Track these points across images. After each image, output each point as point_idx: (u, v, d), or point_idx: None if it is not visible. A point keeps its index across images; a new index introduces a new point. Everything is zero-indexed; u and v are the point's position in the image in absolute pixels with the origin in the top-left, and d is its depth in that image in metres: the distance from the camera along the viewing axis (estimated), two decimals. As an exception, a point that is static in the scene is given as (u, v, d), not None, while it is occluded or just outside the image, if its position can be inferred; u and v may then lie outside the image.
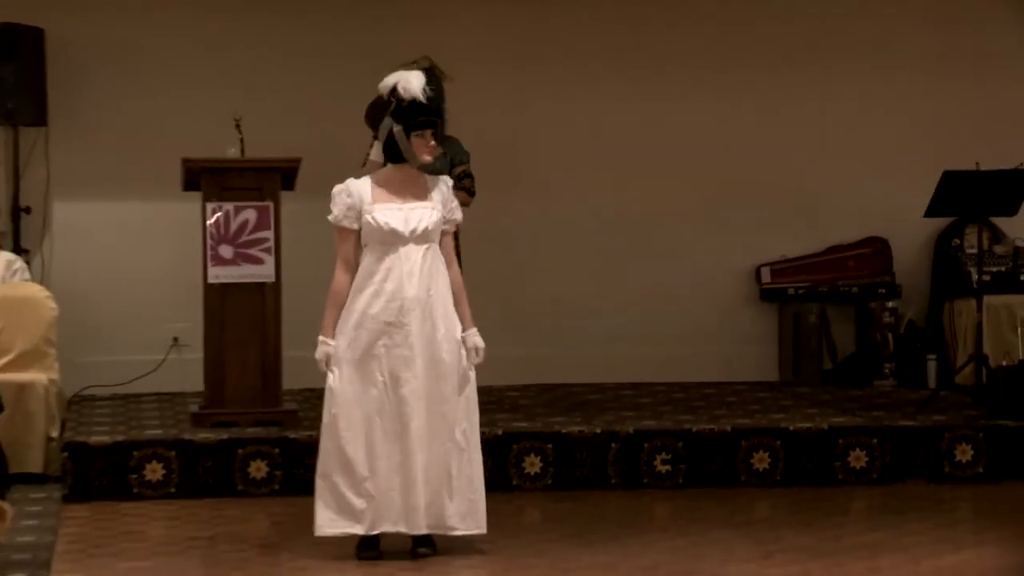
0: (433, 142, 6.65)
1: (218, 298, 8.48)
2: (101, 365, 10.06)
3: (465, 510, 6.61)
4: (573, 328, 10.58)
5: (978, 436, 8.66)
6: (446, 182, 6.75)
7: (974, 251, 10.11)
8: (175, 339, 10.17)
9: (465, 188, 8.95)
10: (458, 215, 6.74)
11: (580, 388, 10.27)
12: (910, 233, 10.73)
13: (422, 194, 6.64)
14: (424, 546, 6.61)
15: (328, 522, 6.57)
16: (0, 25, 9.79)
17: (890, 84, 10.81)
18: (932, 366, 10.43)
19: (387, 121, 6.60)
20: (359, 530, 6.55)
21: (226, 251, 8.43)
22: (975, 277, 9.83)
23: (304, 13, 10.21)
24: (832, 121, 10.79)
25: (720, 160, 10.68)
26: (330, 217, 6.59)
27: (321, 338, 6.55)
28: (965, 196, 9.43)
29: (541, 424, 8.72)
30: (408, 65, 8.89)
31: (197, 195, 8.55)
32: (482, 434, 8.33)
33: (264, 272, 8.45)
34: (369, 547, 6.61)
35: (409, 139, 6.57)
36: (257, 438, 8.21)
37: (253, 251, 8.40)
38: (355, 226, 6.56)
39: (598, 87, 10.59)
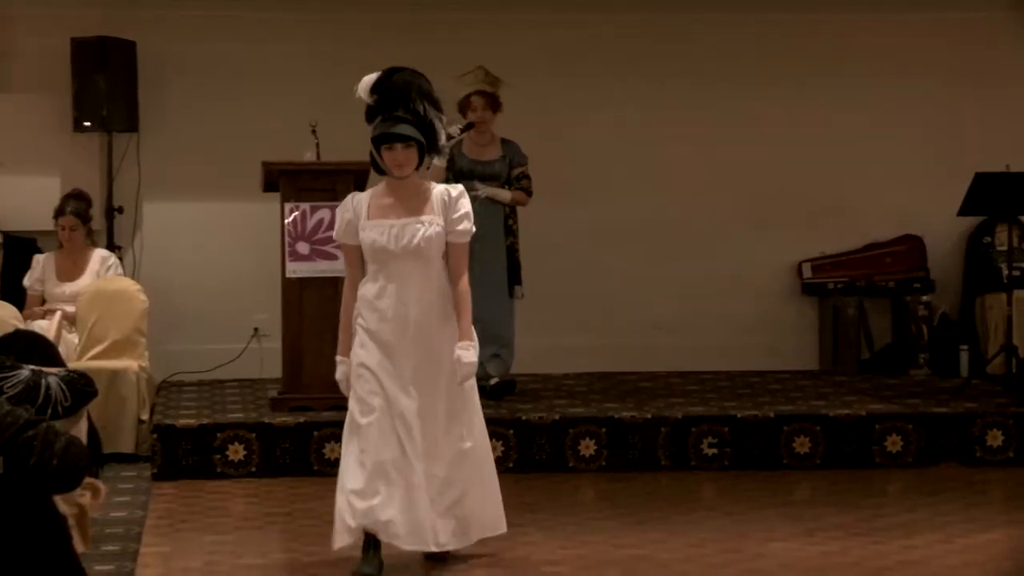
0: (404, 156, 5.82)
1: (295, 291, 8.52)
2: (187, 353, 10.13)
3: (487, 519, 6.07)
4: (626, 320, 10.56)
5: (1008, 422, 8.58)
6: (452, 193, 5.89)
7: (1004, 248, 10.02)
8: (256, 329, 10.22)
9: (523, 188, 9.07)
10: (466, 226, 5.87)
11: (632, 376, 10.25)
12: (943, 231, 10.64)
13: (421, 207, 5.85)
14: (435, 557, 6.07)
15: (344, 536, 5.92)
16: (96, 39, 9.86)
17: (924, 91, 10.72)
18: (964, 356, 10.34)
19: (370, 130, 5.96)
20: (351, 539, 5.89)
21: (303, 248, 8.46)
22: (1005, 273, 9.74)
23: (372, 26, 10.24)
24: (869, 126, 10.71)
25: (763, 164, 10.63)
26: (332, 234, 6.19)
27: (339, 358, 5.94)
28: (996, 196, 9.34)
29: (596, 409, 8.71)
30: (461, 76, 8.98)
31: (276, 196, 8.58)
32: (540, 419, 8.40)
33: (338, 267, 8.42)
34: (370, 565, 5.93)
35: (380, 153, 5.87)
36: (331, 421, 8.23)
37: (328, 248, 8.42)
38: (354, 242, 5.88)
39: (644, 98, 10.55)
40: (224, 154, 10.05)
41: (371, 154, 5.88)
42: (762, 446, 8.45)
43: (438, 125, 5.83)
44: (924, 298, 10.54)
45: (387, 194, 5.89)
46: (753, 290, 10.69)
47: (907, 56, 10.73)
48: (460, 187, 5.90)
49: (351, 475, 5.84)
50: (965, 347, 10.37)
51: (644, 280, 10.58)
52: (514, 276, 9.08)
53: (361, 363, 5.86)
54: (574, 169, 10.39)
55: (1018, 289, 9.61)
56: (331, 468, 8.13)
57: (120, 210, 10.16)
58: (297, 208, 8.45)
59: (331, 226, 8.42)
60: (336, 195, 8.44)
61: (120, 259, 9.61)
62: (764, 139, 10.63)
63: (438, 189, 5.87)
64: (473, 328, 5.91)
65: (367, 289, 5.87)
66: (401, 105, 5.82)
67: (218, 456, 8.15)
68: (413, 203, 5.85)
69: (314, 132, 8.61)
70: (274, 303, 8.69)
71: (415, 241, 5.78)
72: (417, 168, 5.82)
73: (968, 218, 10.15)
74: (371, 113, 5.88)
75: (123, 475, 8.12)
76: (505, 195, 9.02)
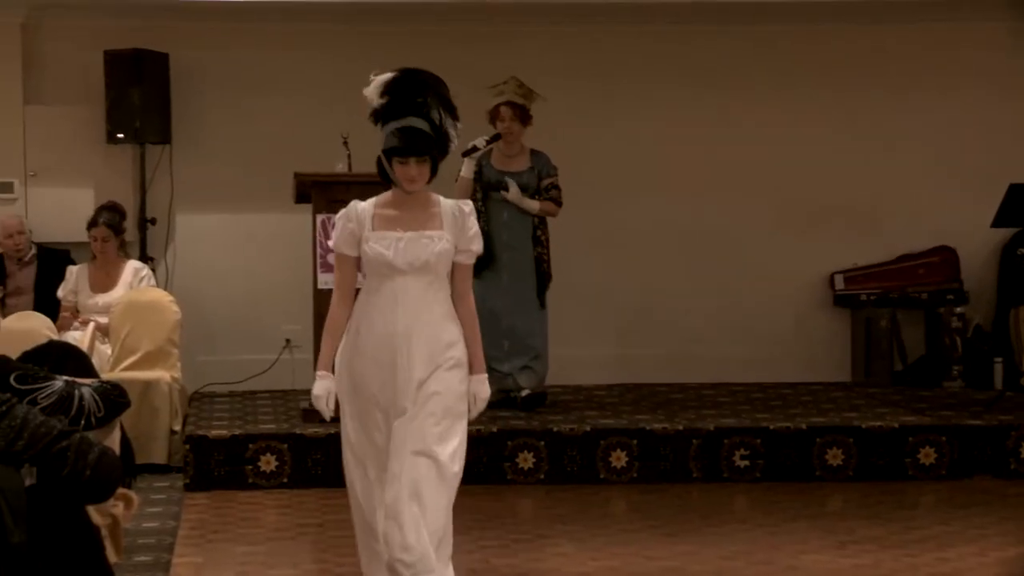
0: (418, 172, 5.24)
1: (327, 303, 8.36)
2: (219, 364, 10.16)
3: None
4: (658, 331, 10.54)
5: (1042, 435, 8.54)
6: (464, 209, 5.37)
7: (1039, 259, 9.98)
8: (287, 340, 10.24)
9: (552, 199, 9.04)
10: (476, 245, 5.36)
11: (664, 387, 10.23)
12: (977, 242, 10.59)
13: (430, 221, 5.32)
14: None
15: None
16: (129, 51, 9.91)
17: (956, 102, 10.67)
18: (998, 368, 10.28)
19: (380, 138, 5.37)
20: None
21: (334, 259, 8.47)
22: (1040, 284, 9.69)
23: (403, 37, 10.25)
24: (902, 137, 10.67)
25: (796, 175, 10.60)
26: (329, 242, 5.50)
27: (319, 372, 5.33)
28: (1030, 207, 9.31)
29: (627, 421, 8.70)
30: (494, 86, 8.99)
31: (308, 207, 8.60)
32: (571, 430, 8.39)
33: (369, 279, 8.48)
34: None
35: (391, 165, 5.28)
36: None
37: (360, 259, 8.43)
38: (353, 253, 5.34)
39: (679, 106, 10.54)
40: (256, 165, 10.08)
41: (379, 161, 5.32)
42: (794, 458, 8.42)
43: (452, 134, 5.32)
44: (958, 310, 10.49)
45: (393, 205, 5.34)
46: (785, 301, 10.66)
47: (942, 66, 10.69)
48: (470, 204, 5.40)
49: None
50: (999, 359, 10.32)
51: (676, 291, 10.56)
52: (542, 287, 9.04)
53: (355, 387, 5.27)
54: (605, 177, 10.39)
55: (1053, 300, 9.56)
56: (362, 479, 8.14)
57: (153, 221, 10.20)
58: (330, 220, 8.47)
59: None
60: (368, 207, 8.46)
61: (153, 270, 9.66)
62: (797, 150, 10.60)
63: (448, 204, 5.34)
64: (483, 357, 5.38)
65: (364, 303, 5.31)
66: (414, 111, 5.28)
67: (250, 467, 8.17)
68: (421, 216, 5.32)
69: (346, 143, 8.63)
70: (306, 314, 8.71)
71: (424, 257, 5.26)
72: (428, 181, 5.31)
73: (1002, 229, 10.10)
74: (380, 116, 5.35)
75: (155, 486, 8.15)
76: (533, 205, 8.98)
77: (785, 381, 10.43)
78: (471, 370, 5.31)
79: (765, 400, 9.66)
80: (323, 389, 5.33)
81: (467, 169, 8.89)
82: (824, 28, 10.63)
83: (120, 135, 9.94)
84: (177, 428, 8.60)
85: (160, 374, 8.70)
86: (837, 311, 10.74)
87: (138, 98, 9.88)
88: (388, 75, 5.42)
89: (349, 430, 5.33)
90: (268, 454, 8.19)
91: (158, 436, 8.54)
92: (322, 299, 8.52)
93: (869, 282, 10.68)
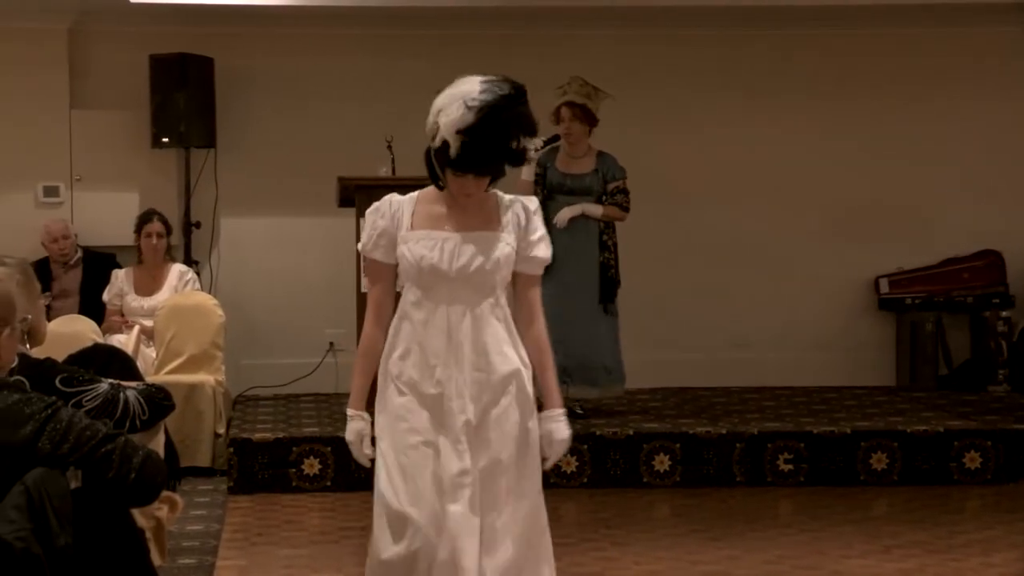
0: (475, 186, 4.32)
1: (371, 306, 8.52)
2: (263, 368, 10.19)
3: None
4: (701, 335, 10.51)
5: (1089, 440, 8.46)
6: (526, 205, 4.40)
7: (1086, 263, 9.90)
8: (331, 344, 10.27)
9: (618, 204, 8.69)
10: (542, 251, 4.37)
11: (707, 391, 10.20)
12: (1023, 246, 10.52)
13: (487, 219, 4.34)
14: None
15: None
16: (174, 55, 9.96)
17: (1003, 106, 10.61)
18: (1044, 373, 10.22)
19: (429, 129, 4.37)
20: None
21: (364, 267, 8.46)
22: (1086, 288, 9.61)
23: (444, 40, 10.27)
24: (946, 141, 10.61)
25: (842, 180, 10.56)
26: (359, 245, 4.46)
27: (350, 411, 4.43)
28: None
29: (670, 425, 8.67)
30: (559, 87, 8.81)
31: (351, 211, 8.62)
32: (615, 434, 8.37)
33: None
34: None
35: (444, 172, 4.32)
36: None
37: (402, 263, 8.43)
38: (389, 259, 4.36)
39: (722, 112, 10.51)
40: (300, 169, 10.11)
41: (428, 159, 4.34)
42: (839, 462, 8.37)
43: (529, 150, 4.37)
44: (1003, 313, 10.42)
45: (440, 200, 4.37)
46: (830, 305, 10.62)
47: (985, 69, 10.62)
48: (535, 201, 4.45)
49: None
50: (1045, 363, 10.25)
51: (719, 294, 10.53)
52: (607, 294, 8.72)
53: (403, 420, 4.32)
54: (647, 183, 10.35)
55: (1100, 304, 9.48)
56: (405, 482, 8.15)
57: (198, 225, 10.25)
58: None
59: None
60: (411, 210, 8.46)
61: (197, 274, 9.70)
62: (841, 153, 10.56)
63: (509, 201, 4.38)
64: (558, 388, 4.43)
65: (403, 322, 4.36)
66: (495, 147, 4.28)
67: (293, 470, 8.19)
68: (475, 213, 4.34)
69: (389, 147, 8.64)
70: (349, 318, 8.72)
71: (478, 262, 4.26)
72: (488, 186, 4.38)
73: (1048, 233, 10.03)
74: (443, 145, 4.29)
75: (199, 488, 8.18)
76: (595, 211, 8.64)
77: (829, 385, 10.38)
78: (544, 405, 4.35)
79: (809, 404, 9.62)
80: (355, 433, 4.40)
81: (528, 172, 8.43)
82: (865, 33, 10.59)
83: (165, 139, 9.99)
84: (221, 431, 8.63)
85: (204, 377, 8.74)
86: (882, 315, 10.68)
87: (183, 102, 9.92)
88: (470, 114, 4.25)
89: (389, 459, 4.31)
90: (311, 457, 8.20)
91: (202, 439, 8.57)
92: (364, 303, 8.52)
93: (914, 286, 10.62)
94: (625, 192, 8.72)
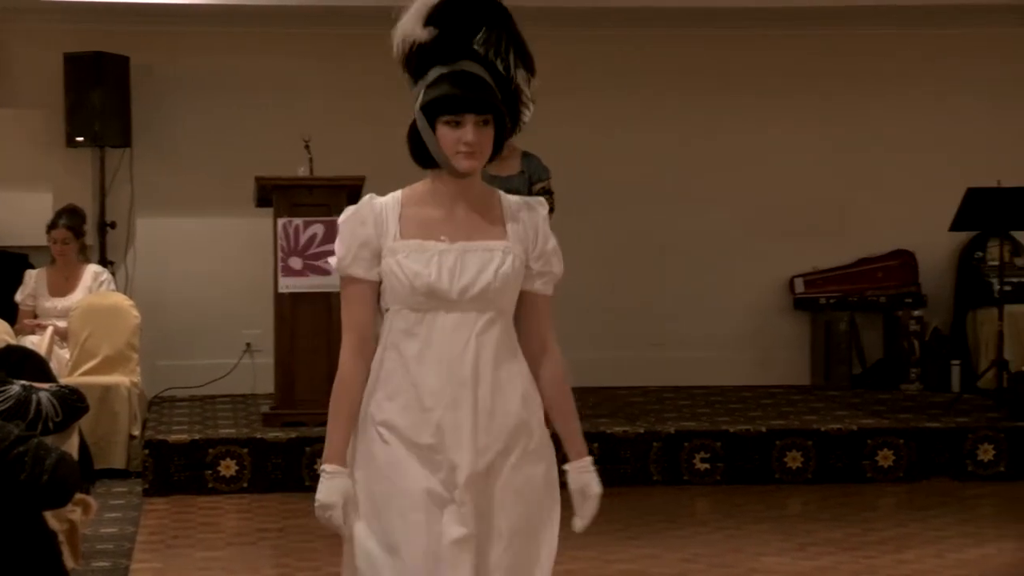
0: (478, 138, 3.49)
1: (288, 307, 8.50)
2: (180, 369, 10.10)
3: None
4: (618, 335, 10.54)
5: (999, 437, 8.57)
6: (535, 208, 3.63)
7: (996, 263, 10.02)
8: (248, 345, 10.20)
9: None
10: (557, 267, 3.66)
11: (624, 391, 10.23)
12: (935, 246, 10.64)
13: (489, 225, 3.55)
14: None
15: None
16: (89, 54, 9.84)
17: (915, 107, 10.73)
18: (956, 371, 10.33)
19: (414, 95, 3.58)
20: None
21: (295, 263, 8.45)
22: (997, 287, 9.74)
23: (367, 40, 10.21)
24: (861, 142, 10.71)
25: (757, 180, 10.62)
26: (332, 260, 3.58)
27: (326, 468, 3.52)
28: (987, 211, 9.35)
29: (588, 424, 8.62)
30: None
31: (269, 211, 8.57)
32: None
33: (331, 282, 8.40)
34: None
35: (435, 130, 3.49)
36: (323, 437, 8.19)
37: (321, 263, 8.41)
38: (370, 276, 3.50)
39: (634, 112, 10.55)
40: (217, 169, 10.04)
41: (412, 134, 3.54)
42: (754, 461, 8.43)
43: (526, 95, 3.62)
44: (916, 313, 10.53)
45: (432, 200, 3.55)
46: (746, 305, 10.69)
47: (897, 72, 10.74)
48: (546, 203, 3.69)
49: None
50: (957, 362, 10.36)
51: (636, 294, 10.57)
52: None
53: (388, 478, 3.47)
54: (565, 183, 10.38)
55: (1009, 304, 9.61)
56: (323, 483, 8.11)
57: (113, 225, 10.14)
58: (291, 223, 8.45)
59: (324, 241, 8.42)
60: (329, 210, 8.44)
61: (112, 274, 9.60)
62: (756, 154, 10.63)
63: (512, 202, 3.61)
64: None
65: (392, 355, 3.50)
66: (471, 54, 3.52)
67: (210, 472, 8.13)
68: (475, 218, 3.55)
69: (307, 147, 8.60)
70: (266, 318, 8.67)
71: (484, 280, 3.48)
72: (492, 159, 3.60)
73: (960, 233, 10.15)
74: (420, 62, 3.54)
75: (114, 491, 8.09)
76: None
77: (745, 384, 10.44)
78: (568, 455, 3.59)
79: (725, 403, 9.68)
80: (337, 493, 3.46)
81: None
82: (786, 34, 10.66)
83: (80, 138, 9.88)
84: (136, 433, 8.54)
85: (119, 379, 8.65)
86: (797, 314, 10.77)
87: (98, 101, 9.82)
88: (416, 9, 3.59)
89: (370, 527, 3.47)
90: (228, 459, 8.14)
91: (117, 441, 8.48)
92: (283, 303, 8.50)
93: (828, 286, 10.71)
94: (551, 193, 8.73)
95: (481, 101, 3.47)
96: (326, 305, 8.45)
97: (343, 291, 3.54)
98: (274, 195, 8.49)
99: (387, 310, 3.52)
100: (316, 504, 3.47)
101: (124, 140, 10.04)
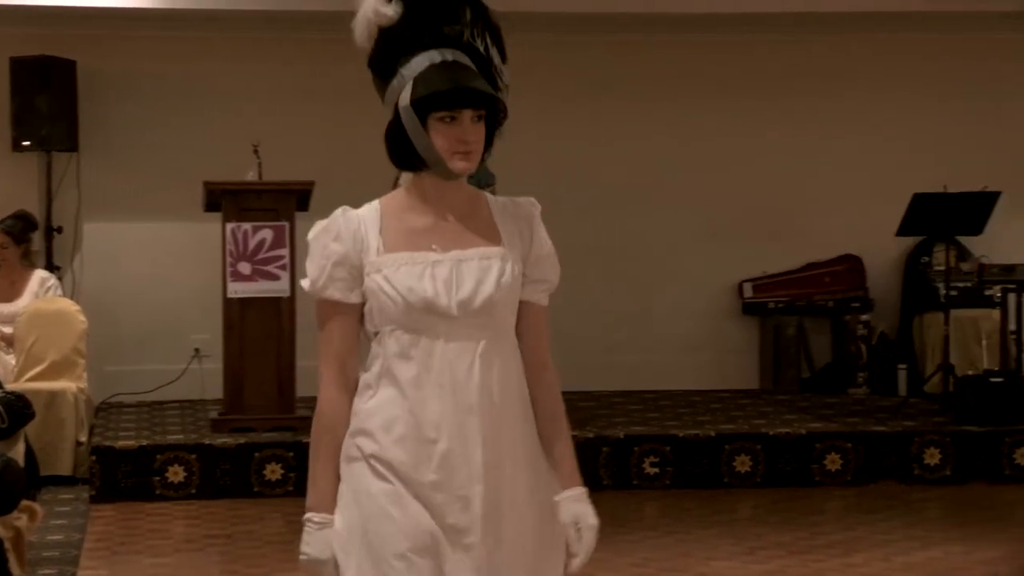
0: (475, 133, 3.13)
1: (237, 312, 8.46)
2: (127, 374, 10.03)
3: None
4: (568, 339, 10.52)
5: (945, 440, 8.63)
6: (528, 209, 3.29)
7: (942, 268, 10.08)
8: (197, 350, 10.13)
9: None
10: (553, 272, 3.31)
11: (574, 395, 10.20)
12: (882, 251, 10.70)
13: (483, 229, 3.19)
14: None
15: None
16: (35, 58, 9.76)
17: (862, 112, 10.79)
18: (903, 375, 10.39)
19: (390, 89, 3.15)
20: None
21: (244, 268, 8.41)
22: (943, 292, 9.79)
23: (316, 45, 10.19)
24: (809, 147, 10.76)
25: (706, 185, 10.65)
26: (304, 282, 3.16)
27: (313, 517, 3.10)
28: (933, 217, 9.41)
29: (538, 429, 8.68)
30: None
31: (217, 216, 8.52)
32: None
33: (280, 287, 8.43)
34: None
35: (426, 125, 3.10)
36: (272, 442, 8.18)
37: (270, 268, 8.37)
38: (353, 297, 3.12)
39: (582, 117, 10.56)
40: (165, 174, 9.98)
41: (393, 132, 3.15)
42: (703, 465, 8.45)
43: (502, 81, 3.23)
44: (863, 317, 10.59)
45: (418, 206, 3.19)
46: (695, 309, 10.71)
47: (845, 77, 10.80)
48: (535, 201, 3.33)
49: None
50: (903, 366, 10.42)
51: (586, 299, 10.56)
52: None
53: (386, 518, 3.05)
54: (517, 190, 10.38)
55: (955, 308, 9.67)
56: (271, 489, 8.08)
57: (59, 230, 10.06)
58: (240, 228, 8.41)
59: (273, 246, 8.39)
60: (278, 215, 8.41)
61: (59, 280, 9.52)
62: (705, 159, 10.66)
63: (503, 204, 3.26)
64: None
65: (381, 384, 3.11)
66: (447, 41, 3.13)
67: (157, 478, 8.07)
68: (468, 222, 3.19)
69: (256, 152, 8.56)
70: (215, 324, 8.62)
71: (486, 291, 3.11)
72: (482, 160, 3.21)
73: (906, 238, 10.21)
74: (390, 47, 3.13)
75: (61, 498, 8.02)
76: None
77: (694, 389, 10.47)
78: (563, 481, 3.28)
79: (674, 407, 9.70)
80: (329, 546, 3.07)
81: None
82: (732, 40, 10.70)
83: (26, 143, 9.80)
84: (83, 439, 8.47)
85: (66, 384, 8.58)
86: (745, 319, 10.81)
87: (44, 105, 9.74)
88: None
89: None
90: (176, 465, 8.09)
91: (63, 447, 8.41)
92: (232, 308, 8.45)
93: (777, 290, 10.76)
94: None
95: (477, 96, 3.09)
96: (275, 310, 8.42)
97: (319, 317, 3.12)
98: (223, 200, 8.45)
99: (376, 333, 3.12)
100: (303, 559, 3.07)
101: (71, 144, 9.96)
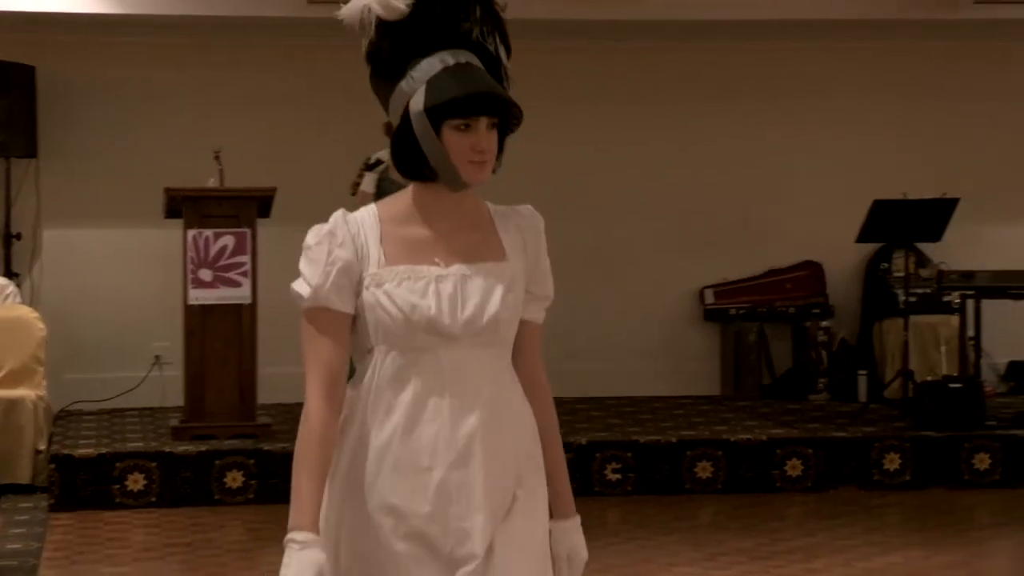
0: (489, 141, 2.95)
1: (198, 319, 8.41)
2: (87, 382, 9.96)
3: None
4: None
5: (905, 446, 8.66)
6: (532, 221, 3.14)
7: (901, 274, 10.13)
8: (157, 357, 10.08)
9: None
10: (549, 287, 3.13)
11: (536, 402, 10.21)
12: (842, 257, 10.74)
13: (487, 241, 3.02)
14: None
15: None
16: (-7, 63, 9.72)
17: (822, 119, 10.83)
18: (863, 381, 10.42)
19: (398, 91, 2.95)
20: None
21: (205, 274, 8.37)
22: (902, 299, 9.84)
23: (278, 52, 10.16)
24: (770, 154, 10.80)
25: (666, 192, 10.66)
26: (300, 289, 2.93)
27: (296, 536, 2.81)
28: (893, 223, 9.46)
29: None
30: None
31: (178, 222, 8.48)
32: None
33: (241, 294, 8.39)
34: None
35: (440, 134, 2.91)
36: (233, 450, 8.14)
37: (231, 274, 8.34)
38: (346, 308, 2.92)
39: (550, 123, 10.55)
40: (125, 180, 9.92)
41: (402, 139, 2.95)
42: (665, 471, 8.46)
43: (508, 82, 3.07)
44: (823, 324, 10.63)
45: (419, 216, 2.98)
46: (656, 316, 10.72)
47: (805, 85, 10.84)
48: (534, 210, 3.19)
49: None
50: (863, 372, 10.46)
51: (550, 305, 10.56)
52: None
53: (378, 547, 2.89)
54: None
55: (914, 315, 9.71)
56: (232, 497, 8.04)
57: (18, 237, 9.99)
58: (201, 235, 8.37)
59: (234, 252, 8.35)
60: (239, 221, 8.37)
61: (18, 287, 9.46)
62: (666, 165, 10.67)
63: (504, 214, 3.11)
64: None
65: (372, 404, 2.92)
66: (461, 40, 2.95)
67: (117, 486, 8.02)
68: (472, 234, 3.01)
69: (217, 158, 8.53)
70: (176, 331, 8.58)
71: (492, 310, 2.94)
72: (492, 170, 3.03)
73: (866, 245, 10.26)
74: (396, 48, 2.96)
75: (19, 506, 7.97)
76: None
77: (656, 395, 10.48)
78: (554, 512, 3.13)
79: (636, 414, 9.70)
80: (312, 568, 2.78)
81: (369, 183, 8.14)
82: (692, 47, 10.72)
83: (-16, 149, 9.73)
84: (42, 447, 8.41)
85: (24, 392, 8.52)
86: (707, 325, 10.83)
87: (3, 111, 9.67)
88: None
89: None
90: (136, 472, 8.04)
91: (22, 455, 8.35)
92: (192, 315, 8.41)
93: (738, 296, 10.79)
94: None
95: (495, 103, 2.90)
96: (236, 317, 8.39)
97: (310, 324, 2.89)
98: (184, 206, 8.41)
99: (368, 350, 2.92)
100: None
101: (30, 151, 9.90)
